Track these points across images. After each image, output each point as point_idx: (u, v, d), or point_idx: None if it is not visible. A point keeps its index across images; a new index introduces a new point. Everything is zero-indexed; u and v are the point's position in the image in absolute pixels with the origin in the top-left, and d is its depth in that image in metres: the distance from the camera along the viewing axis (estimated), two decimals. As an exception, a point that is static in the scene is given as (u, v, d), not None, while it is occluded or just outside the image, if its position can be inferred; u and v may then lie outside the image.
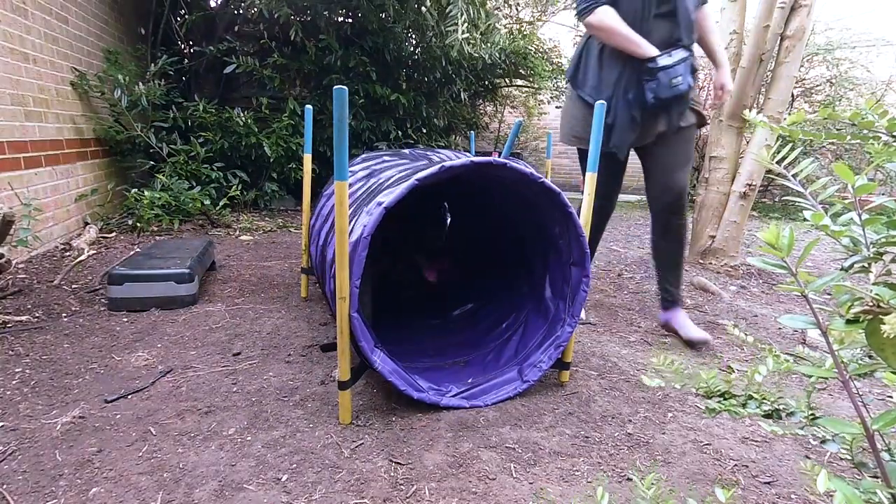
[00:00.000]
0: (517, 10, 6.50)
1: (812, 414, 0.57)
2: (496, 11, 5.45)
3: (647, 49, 1.97)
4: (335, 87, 1.27)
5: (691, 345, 2.18)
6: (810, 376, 0.57)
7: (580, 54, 2.21)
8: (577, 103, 2.22)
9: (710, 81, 5.51)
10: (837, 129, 5.90)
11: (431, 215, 3.13)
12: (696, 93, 2.16)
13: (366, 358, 1.50)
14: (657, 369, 0.71)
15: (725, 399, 0.63)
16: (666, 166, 2.18)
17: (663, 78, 1.94)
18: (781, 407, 0.60)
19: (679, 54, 1.96)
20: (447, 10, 4.37)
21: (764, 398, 0.61)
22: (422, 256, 2.75)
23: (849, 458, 0.58)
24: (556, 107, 7.22)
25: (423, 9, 4.71)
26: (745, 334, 0.77)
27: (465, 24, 4.20)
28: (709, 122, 4.13)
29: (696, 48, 2.11)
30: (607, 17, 2.00)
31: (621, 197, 2.62)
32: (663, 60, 1.95)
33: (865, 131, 0.60)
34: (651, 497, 0.59)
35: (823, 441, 0.55)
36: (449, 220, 3.28)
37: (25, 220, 2.51)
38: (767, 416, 0.60)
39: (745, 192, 3.29)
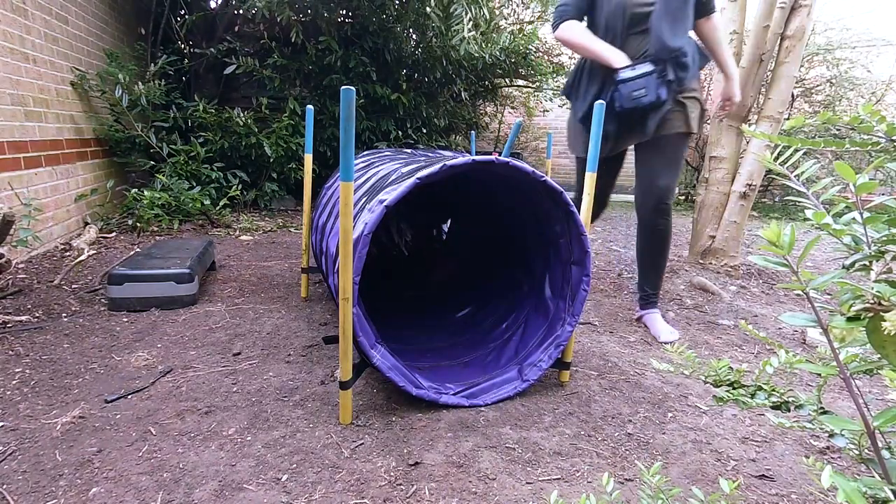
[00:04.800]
0: (524, 6, 6.49)
1: (822, 408, 0.57)
2: (499, 10, 5.44)
3: (613, 59, 2.03)
4: (343, 87, 1.26)
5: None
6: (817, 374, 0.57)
7: (576, 70, 2.29)
8: (571, 117, 2.36)
9: (712, 85, 5.50)
10: (837, 130, 5.90)
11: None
12: (693, 101, 2.16)
13: (365, 354, 1.50)
14: (668, 352, 0.71)
15: (734, 389, 0.63)
16: (650, 170, 2.22)
17: (624, 90, 2.00)
18: (791, 399, 0.60)
19: (643, 68, 1.99)
20: (451, 10, 4.37)
21: (773, 390, 0.61)
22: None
23: (852, 455, 0.58)
24: (560, 105, 7.23)
25: (428, 9, 4.70)
26: (758, 331, 0.77)
27: (470, 23, 4.20)
28: (709, 121, 4.12)
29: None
30: (572, 30, 2.12)
31: (622, 197, 2.62)
32: (625, 74, 2.00)
33: (866, 136, 0.60)
34: (655, 485, 0.60)
35: (831, 435, 0.55)
36: (449, 221, 3.28)
37: (25, 220, 2.50)
38: (776, 407, 0.60)
39: (745, 193, 3.29)
